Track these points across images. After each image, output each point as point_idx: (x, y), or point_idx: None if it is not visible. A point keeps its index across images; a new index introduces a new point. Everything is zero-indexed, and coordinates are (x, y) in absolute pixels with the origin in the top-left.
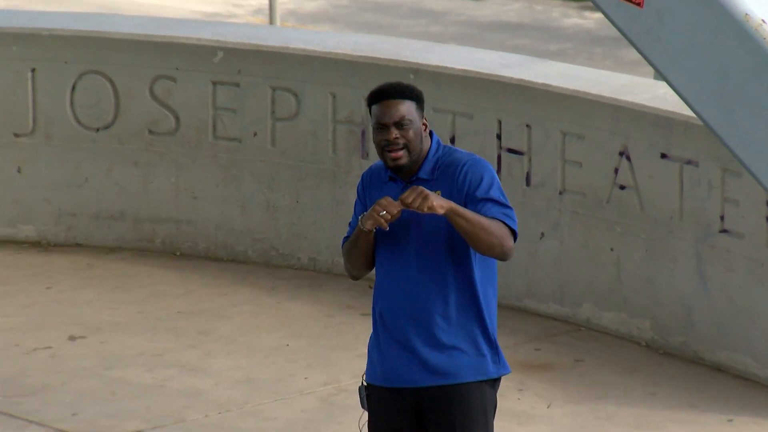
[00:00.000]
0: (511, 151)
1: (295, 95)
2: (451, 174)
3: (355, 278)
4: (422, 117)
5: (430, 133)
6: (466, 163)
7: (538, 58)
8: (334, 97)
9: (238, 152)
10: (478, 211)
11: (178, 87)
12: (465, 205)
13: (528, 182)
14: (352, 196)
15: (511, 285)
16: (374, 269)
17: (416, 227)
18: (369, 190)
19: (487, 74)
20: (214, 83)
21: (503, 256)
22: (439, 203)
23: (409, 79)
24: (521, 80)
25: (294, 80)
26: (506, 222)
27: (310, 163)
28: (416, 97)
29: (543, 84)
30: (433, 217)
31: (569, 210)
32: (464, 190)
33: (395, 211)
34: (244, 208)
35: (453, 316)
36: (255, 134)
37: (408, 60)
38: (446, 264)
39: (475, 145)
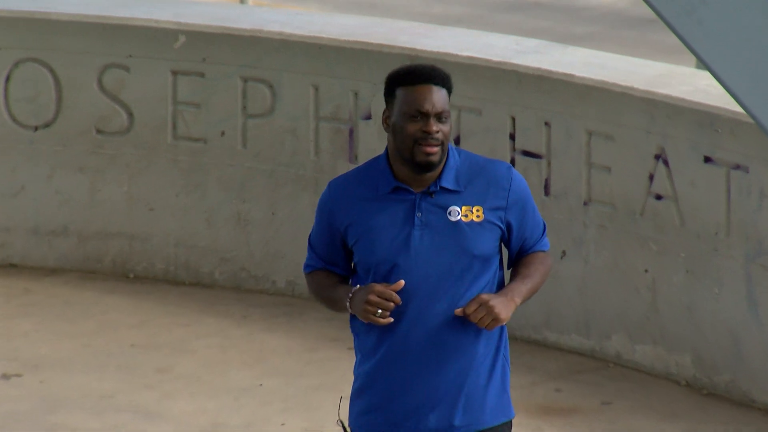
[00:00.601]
0: (526, 153)
1: (271, 87)
2: (487, 186)
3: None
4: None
5: None
6: (512, 179)
7: (560, 43)
8: (316, 89)
9: (203, 155)
10: (528, 246)
11: (131, 78)
12: (510, 230)
13: (547, 191)
14: None
15: (527, 313)
16: None
17: (435, 253)
18: (348, 210)
19: (498, 62)
20: (175, 73)
21: None
22: (508, 313)
23: None
24: (539, 69)
25: (269, 69)
26: (548, 248)
27: (289, 168)
28: (450, 88)
29: (565, 74)
30: (456, 243)
31: (596, 224)
32: (513, 215)
33: (393, 306)
34: (209, 221)
35: (481, 351)
36: (223, 133)
37: (405, 45)
38: (470, 293)
39: (483, 146)
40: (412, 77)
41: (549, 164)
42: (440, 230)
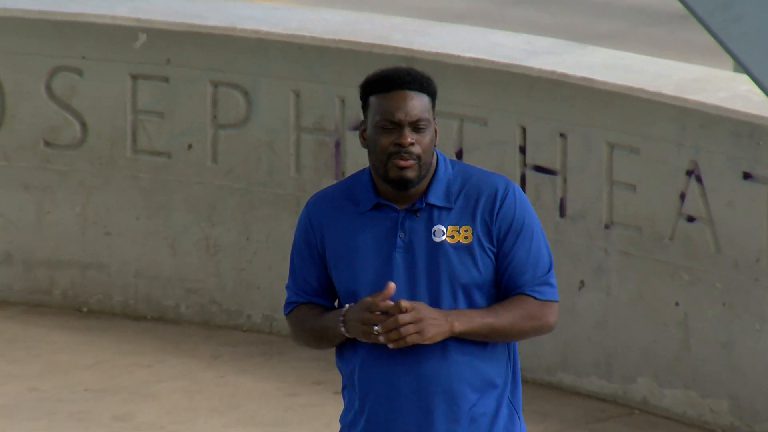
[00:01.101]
0: (539, 169)
1: (245, 93)
2: (478, 203)
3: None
4: (434, 120)
5: None
6: (506, 195)
7: (578, 42)
8: (297, 95)
9: (167, 171)
10: (515, 284)
11: (84, 82)
12: (497, 252)
13: (562, 212)
14: None
15: (541, 353)
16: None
17: (416, 280)
18: (326, 229)
19: (507, 65)
20: (134, 77)
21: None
22: (435, 335)
23: None
24: (553, 73)
25: (243, 73)
26: (547, 297)
27: (266, 187)
28: (433, 93)
29: (583, 78)
30: (440, 268)
31: (618, 250)
32: (501, 238)
33: (391, 318)
34: (174, 247)
35: (480, 397)
36: (190, 147)
37: (399, 45)
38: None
39: (490, 160)
40: (384, 83)
41: (565, 181)
42: (423, 253)
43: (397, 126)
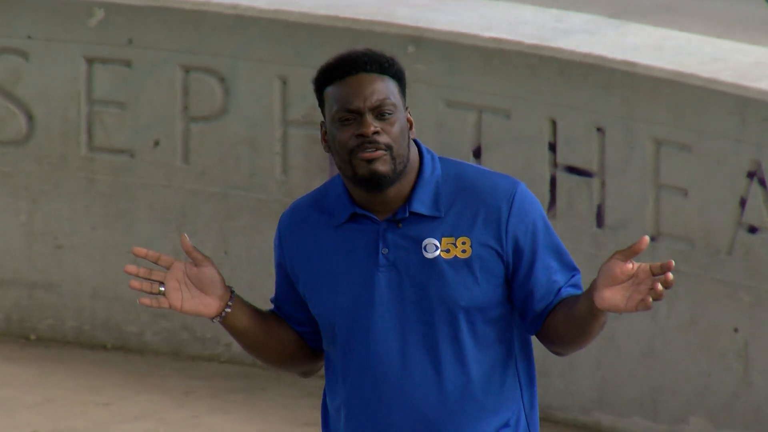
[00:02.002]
0: (572, 170)
1: (222, 80)
2: (477, 209)
3: (305, 375)
4: (406, 108)
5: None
6: (513, 197)
7: (617, 19)
8: (284, 82)
9: (129, 173)
10: (540, 305)
11: (31, 67)
12: (513, 271)
13: (600, 221)
14: None
15: (574, 389)
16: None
17: (406, 304)
18: (296, 247)
19: (533, 46)
20: (90, 61)
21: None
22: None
23: (407, 53)
24: (588, 55)
25: (219, 56)
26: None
27: (247, 191)
28: (397, 74)
29: (624, 62)
30: (435, 289)
31: None
32: (517, 245)
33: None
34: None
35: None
36: (156, 143)
37: (404, 23)
38: (466, 362)
39: (513, 160)
40: (336, 70)
41: (603, 185)
42: (412, 271)
43: (357, 115)
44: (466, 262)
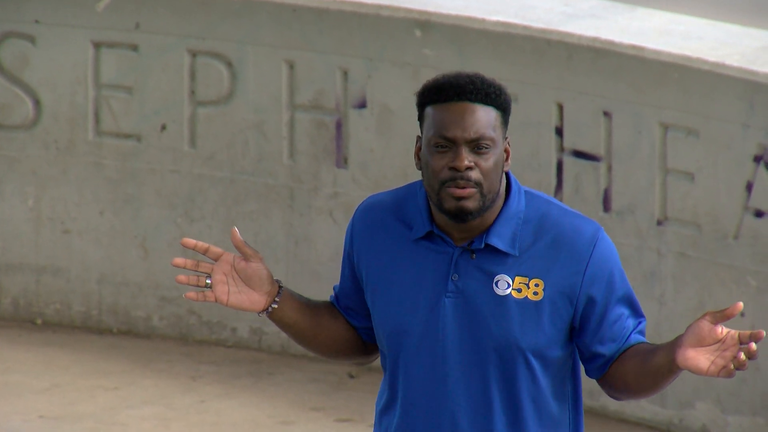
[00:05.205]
0: (579, 154)
1: (229, 65)
2: (557, 253)
3: (358, 365)
4: (505, 138)
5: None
6: (595, 245)
7: (625, 3)
8: (291, 67)
9: (136, 158)
10: (610, 349)
11: (38, 52)
12: (583, 320)
13: (607, 206)
14: (318, 230)
15: (582, 375)
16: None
17: (468, 335)
18: (369, 249)
19: (541, 30)
20: (97, 45)
21: None
22: None
23: (415, 38)
24: (596, 39)
25: (227, 41)
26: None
27: (254, 176)
28: (504, 105)
29: (632, 46)
30: (499, 327)
31: (674, 251)
32: (590, 299)
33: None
34: (145, 248)
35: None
36: (163, 128)
37: (412, 8)
38: (515, 403)
39: (520, 145)
40: (440, 92)
41: (609, 169)
42: (480, 304)
43: (453, 144)
44: (536, 306)
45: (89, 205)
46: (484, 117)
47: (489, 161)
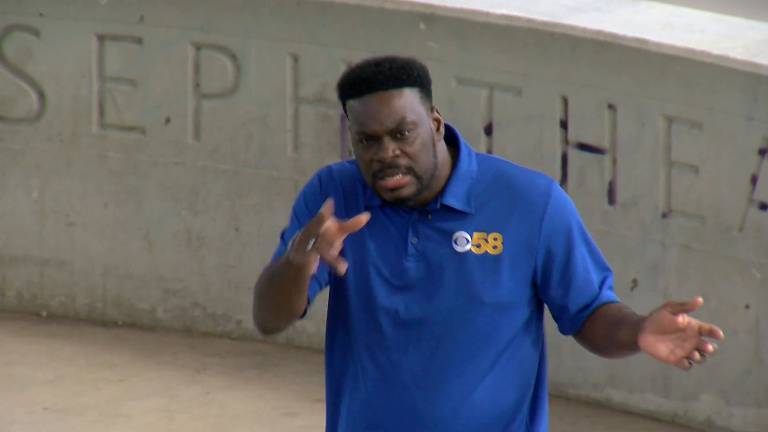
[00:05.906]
0: (583, 147)
1: (233, 57)
2: (512, 206)
3: (268, 332)
4: (431, 109)
5: (448, 129)
6: (549, 197)
7: None
8: (295, 60)
9: (140, 150)
10: (578, 303)
11: (42, 45)
12: (545, 273)
13: (611, 198)
14: None
15: (586, 366)
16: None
17: (431, 295)
18: (337, 207)
19: (544, 23)
20: (101, 38)
21: None
22: None
23: (419, 31)
24: (599, 33)
25: (231, 34)
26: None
27: (258, 169)
28: (418, 80)
29: (635, 39)
30: (461, 283)
31: (678, 243)
32: (549, 251)
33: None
34: (149, 240)
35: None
36: (168, 121)
37: (416, 0)
38: (482, 357)
39: (524, 138)
40: (353, 86)
41: (614, 162)
42: (440, 264)
43: (373, 138)
44: (496, 259)
45: (93, 197)
46: (399, 102)
47: (415, 144)
